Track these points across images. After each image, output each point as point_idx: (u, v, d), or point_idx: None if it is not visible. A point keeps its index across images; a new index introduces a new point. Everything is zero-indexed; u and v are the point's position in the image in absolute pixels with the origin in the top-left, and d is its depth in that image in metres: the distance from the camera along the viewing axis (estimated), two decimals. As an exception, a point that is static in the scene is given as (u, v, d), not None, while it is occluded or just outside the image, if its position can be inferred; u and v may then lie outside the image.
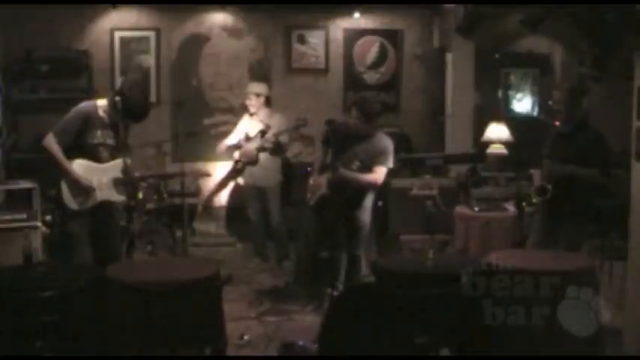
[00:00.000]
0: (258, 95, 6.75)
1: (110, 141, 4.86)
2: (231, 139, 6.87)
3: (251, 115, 6.78)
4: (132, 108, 4.74)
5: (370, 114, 5.22)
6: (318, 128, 6.14)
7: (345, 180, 5.11)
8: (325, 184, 5.26)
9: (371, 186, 5.25)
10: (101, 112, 4.81)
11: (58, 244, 5.74)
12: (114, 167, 4.87)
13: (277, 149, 6.65)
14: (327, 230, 5.22)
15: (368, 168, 5.17)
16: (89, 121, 4.78)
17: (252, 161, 6.66)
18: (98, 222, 4.88)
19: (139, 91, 4.88)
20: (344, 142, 5.16)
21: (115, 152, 4.89)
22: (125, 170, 4.87)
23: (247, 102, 6.79)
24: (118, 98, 4.71)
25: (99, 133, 4.80)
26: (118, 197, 4.92)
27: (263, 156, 6.65)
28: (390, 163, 5.28)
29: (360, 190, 5.22)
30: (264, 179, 6.72)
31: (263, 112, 6.74)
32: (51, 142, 4.74)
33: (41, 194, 5.91)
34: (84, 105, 4.89)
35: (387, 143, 5.28)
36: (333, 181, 5.16)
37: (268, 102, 6.83)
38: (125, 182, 4.89)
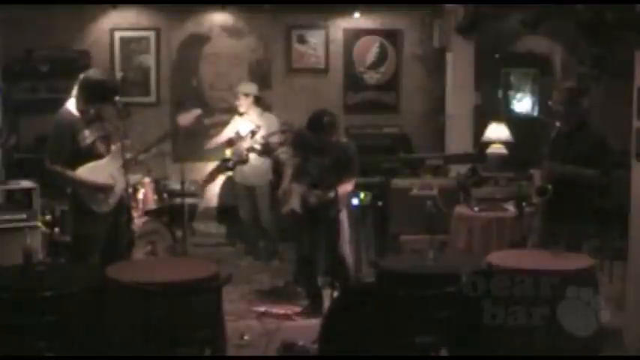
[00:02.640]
0: (246, 95, 6.88)
1: (100, 132, 4.77)
2: (222, 138, 7.06)
3: (241, 114, 6.90)
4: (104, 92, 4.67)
5: (320, 129, 5.22)
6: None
7: (319, 201, 5.19)
8: (298, 202, 5.30)
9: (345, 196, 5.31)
10: (76, 112, 4.72)
11: (63, 246, 5.73)
12: (116, 154, 4.78)
13: (266, 150, 6.77)
14: (311, 236, 5.32)
15: (336, 178, 5.18)
16: (73, 128, 4.66)
17: (243, 160, 6.80)
18: (112, 222, 4.81)
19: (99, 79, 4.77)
20: (309, 153, 5.21)
21: (111, 139, 4.80)
22: (126, 152, 4.76)
23: (237, 102, 6.92)
24: (81, 103, 4.64)
25: (87, 132, 4.71)
26: (133, 178, 4.84)
27: (253, 155, 6.78)
28: (357, 172, 5.34)
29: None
30: (253, 178, 6.88)
31: (253, 112, 6.89)
32: (51, 167, 4.67)
33: (42, 194, 5.90)
34: (61, 117, 4.72)
35: (350, 153, 5.31)
36: (305, 202, 5.24)
37: (258, 102, 6.95)
38: (129, 161, 4.79)
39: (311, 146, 5.26)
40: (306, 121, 5.36)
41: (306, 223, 5.35)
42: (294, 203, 5.34)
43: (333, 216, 5.17)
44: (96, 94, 4.65)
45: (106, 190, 4.71)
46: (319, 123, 5.24)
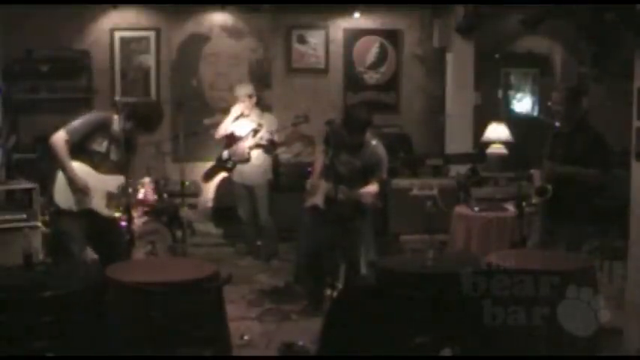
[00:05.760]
0: (250, 97, 6.90)
1: (114, 156, 4.82)
2: (226, 127, 7.00)
3: (244, 115, 6.91)
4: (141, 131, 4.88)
5: (356, 127, 5.18)
6: (318, 128, 6.14)
7: (346, 199, 5.09)
8: (322, 199, 5.24)
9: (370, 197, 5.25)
10: (115, 126, 4.80)
11: (52, 243, 5.73)
12: (112, 181, 4.79)
13: (271, 147, 6.80)
14: (325, 235, 5.22)
15: (363, 178, 5.17)
16: (102, 129, 4.78)
17: (244, 160, 6.82)
18: (98, 222, 4.83)
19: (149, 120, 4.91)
20: (339, 149, 5.16)
21: (115, 168, 4.84)
22: (123, 188, 4.80)
23: (242, 105, 6.90)
24: (129, 123, 4.76)
25: (105, 143, 4.78)
26: (106, 211, 4.83)
27: (254, 154, 6.81)
28: (384, 173, 5.30)
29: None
30: (252, 177, 6.89)
31: (254, 112, 6.91)
32: (59, 139, 4.68)
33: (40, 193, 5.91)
34: (102, 114, 4.92)
35: (380, 154, 5.28)
36: (330, 198, 5.15)
37: (257, 102, 6.99)
38: (119, 199, 4.84)
39: (344, 143, 5.16)
40: (343, 115, 5.33)
41: (324, 221, 5.23)
42: (318, 199, 5.28)
43: (353, 217, 5.15)
44: (140, 126, 4.85)
45: (80, 189, 4.72)
46: (355, 118, 5.21)
